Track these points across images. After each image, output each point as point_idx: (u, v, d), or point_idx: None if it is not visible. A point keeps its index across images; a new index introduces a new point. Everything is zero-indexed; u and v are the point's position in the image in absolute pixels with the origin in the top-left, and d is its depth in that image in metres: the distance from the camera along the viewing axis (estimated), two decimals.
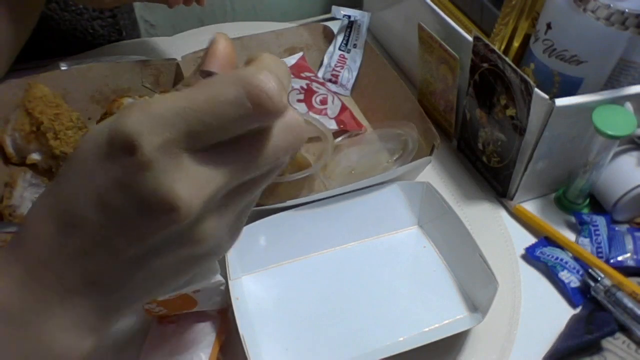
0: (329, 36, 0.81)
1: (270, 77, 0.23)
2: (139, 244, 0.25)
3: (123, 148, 0.23)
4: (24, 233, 0.27)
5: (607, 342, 0.51)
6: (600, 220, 0.60)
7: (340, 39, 0.79)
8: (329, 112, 0.71)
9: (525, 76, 0.52)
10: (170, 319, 0.48)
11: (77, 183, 0.25)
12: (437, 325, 0.51)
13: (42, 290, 0.27)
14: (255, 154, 0.25)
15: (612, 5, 0.50)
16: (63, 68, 0.72)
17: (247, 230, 0.53)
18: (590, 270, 0.55)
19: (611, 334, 0.51)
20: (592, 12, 0.51)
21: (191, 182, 0.23)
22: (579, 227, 0.61)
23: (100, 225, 0.25)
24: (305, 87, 0.71)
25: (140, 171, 0.23)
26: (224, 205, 0.26)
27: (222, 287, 0.45)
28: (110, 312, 0.28)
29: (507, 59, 0.54)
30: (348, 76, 0.78)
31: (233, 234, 0.29)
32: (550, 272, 0.57)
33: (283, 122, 0.25)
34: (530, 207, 0.64)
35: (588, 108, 0.55)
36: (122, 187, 0.24)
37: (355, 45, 0.78)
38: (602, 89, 0.57)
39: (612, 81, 0.60)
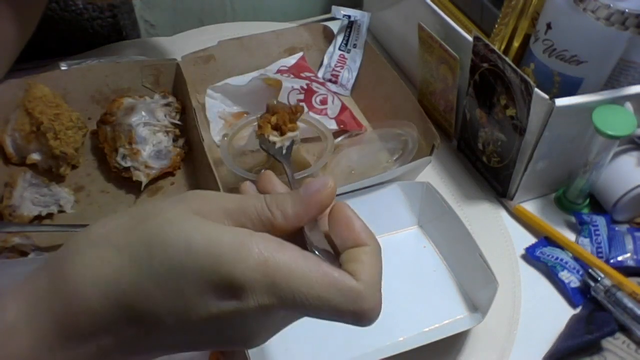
0: (329, 36, 0.81)
1: (378, 305, 0.27)
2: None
3: (232, 295, 0.25)
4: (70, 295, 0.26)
5: (607, 342, 0.51)
6: (600, 220, 0.60)
7: (340, 39, 0.79)
8: (329, 112, 0.71)
9: (525, 76, 0.52)
10: None
11: (158, 282, 0.25)
12: (437, 325, 0.51)
13: None
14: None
15: (612, 5, 0.50)
16: (63, 68, 0.72)
17: None
18: (590, 270, 0.55)
19: (611, 334, 0.51)
20: (592, 12, 0.51)
21: (267, 333, 0.29)
22: (579, 227, 0.61)
23: (165, 331, 0.26)
24: (305, 87, 0.71)
25: (233, 313, 0.26)
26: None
27: None
28: None
29: (507, 59, 0.54)
30: (348, 76, 0.78)
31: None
32: (550, 272, 0.57)
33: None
34: (530, 207, 0.64)
35: (588, 108, 0.55)
36: (211, 317, 0.26)
37: (355, 45, 0.78)
38: (602, 89, 0.57)
39: (612, 81, 0.60)
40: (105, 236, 0.27)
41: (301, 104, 0.70)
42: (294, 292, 0.26)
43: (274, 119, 0.58)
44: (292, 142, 0.58)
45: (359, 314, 0.27)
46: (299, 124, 0.65)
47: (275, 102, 0.59)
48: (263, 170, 0.35)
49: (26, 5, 0.57)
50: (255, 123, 0.64)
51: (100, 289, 0.25)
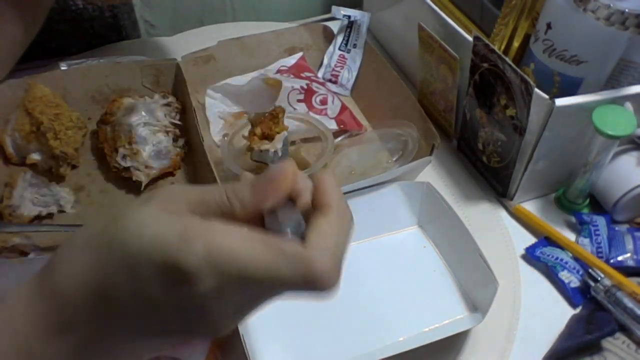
0: (329, 36, 0.81)
1: (332, 268, 0.27)
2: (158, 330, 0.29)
3: (180, 280, 0.26)
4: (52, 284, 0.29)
5: (607, 342, 0.51)
6: (600, 220, 0.60)
7: (340, 39, 0.79)
8: (329, 112, 0.71)
9: (525, 76, 0.52)
10: None
11: (119, 273, 0.27)
12: (437, 325, 0.51)
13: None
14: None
15: (612, 5, 0.50)
16: (63, 68, 0.72)
17: None
18: (590, 270, 0.55)
19: (611, 334, 0.51)
20: (592, 12, 0.51)
21: (229, 319, 0.29)
22: (579, 227, 0.61)
23: (131, 312, 0.28)
24: (305, 87, 0.71)
25: (189, 298, 0.27)
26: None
27: None
28: None
29: (507, 59, 0.54)
30: (348, 76, 0.78)
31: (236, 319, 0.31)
32: (550, 272, 0.57)
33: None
34: (530, 207, 0.64)
35: (588, 108, 0.55)
36: (168, 302, 0.27)
37: (355, 45, 0.78)
38: (602, 89, 0.57)
39: (612, 81, 0.60)
40: (86, 240, 0.29)
41: (301, 104, 0.70)
42: (239, 269, 0.26)
43: (258, 130, 0.58)
44: (286, 143, 0.58)
45: (310, 279, 0.27)
46: (299, 124, 0.65)
47: (252, 115, 0.60)
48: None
49: (31, 8, 0.57)
50: None
51: (80, 285, 0.28)
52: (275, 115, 0.59)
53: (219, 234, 0.27)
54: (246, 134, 0.59)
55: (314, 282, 0.27)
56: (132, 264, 0.27)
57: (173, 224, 0.27)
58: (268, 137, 0.58)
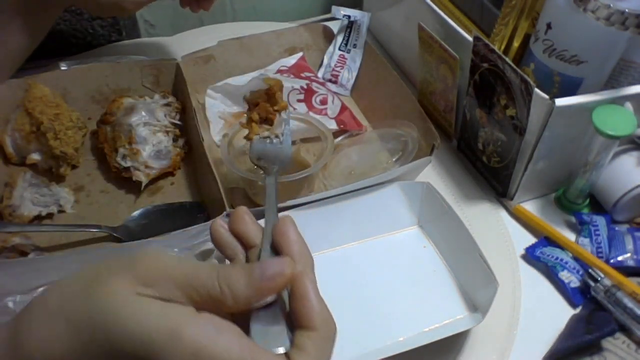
0: (329, 36, 0.81)
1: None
2: None
3: None
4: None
5: (607, 342, 0.51)
6: (600, 220, 0.60)
7: (340, 39, 0.79)
8: (329, 112, 0.71)
9: (525, 76, 0.52)
10: None
11: (100, 357, 0.28)
12: (437, 325, 0.51)
13: None
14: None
15: (612, 5, 0.50)
16: (63, 68, 0.72)
17: None
18: (590, 270, 0.55)
19: (611, 334, 0.51)
20: (592, 12, 0.51)
21: None
22: (579, 227, 0.61)
23: None
24: (305, 87, 0.71)
25: None
26: None
27: None
28: None
29: (507, 59, 0.54)
30: (348, 76, 0.78)
31: None
32: (550, 272, 0.57)
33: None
34: (530, 207, 0.64)
35: (588, 108, 0.55)
36: None
37: (355, 45, 0.78)
38: (602, 89, 0.57)
39: (612, 81, 0.60)
40: (60, 307, 0.28)
41: (301, 104, 0.70)
42: None
43: (255, 116, 0.54)
44: (287, 123, 0.54)
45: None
46: (299, 124, 0.65)
47: (248, 94, 0.56)
48: (236, 208, 0.35)
49: (38, 17, 0.57)
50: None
51: None
52: (272, 94, 0.55)
53: (208, 336, 0.27)
54: (244, 121, 0.56)
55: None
56: (115, 353, 0.27)
57: (164, 319, 0.26)
58: (267, 120, 0.54)
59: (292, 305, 0.30)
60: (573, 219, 0.63)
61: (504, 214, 0.64)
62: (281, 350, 0.29)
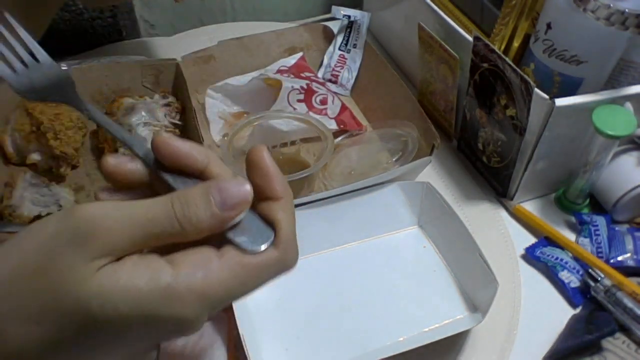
0: (329, 36, 0.81)
1: (297, 252, 0.31)
2: None
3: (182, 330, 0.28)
4: None
5: (607, 342, 0.51)
6: (600, 220, 0.60)
7: (340, 39, 0.79)
8: (329, 112, 0.71)
9: (525, 76, 0.52)
10: None
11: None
12: (437, 325, 0.51)
13: None
14: None
15: (612, 5, 0.50)
16: (63, 68, 0.72)
17: None
18: (590, 270, 0.55)
19: (611, 334, 0.51)
20: (592, 12, 0.51)
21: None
22: (579, 227, 0.61)
23: None
24: (305, 87, 0.71)
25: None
26: None
27: None
28: None
29: (507, 59, 0.54)
30: (348, 76, 0.78)
31: None
32: (550, 272, 0.57)
33: None
34: (530, 207, 0.64)
35: (588, 108, 0.55)
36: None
37: (355, 45, 0.78)
38: (602, 89, 0.57)
39: (612, 81, 0.60)
40: (9, 282, 0.26)
41: (301, 104, 0.70)
42: (232, 299, 0.29)
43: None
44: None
45: (286, 271, 0.30)
46: (299, 124, 0.65)
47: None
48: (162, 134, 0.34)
49: (36, 15, 0.57)
50: (256, 123, 0.64)
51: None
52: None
53: (206, 280, 0.27)
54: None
55: (289, 270, 0.30)
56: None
57: (152, 282, 0.26)
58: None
59: (251, 179, 0.30)
60: (573, 219, 0.63)
61: (504, 214, 0.64)
62: (270, 241, 0.30)
